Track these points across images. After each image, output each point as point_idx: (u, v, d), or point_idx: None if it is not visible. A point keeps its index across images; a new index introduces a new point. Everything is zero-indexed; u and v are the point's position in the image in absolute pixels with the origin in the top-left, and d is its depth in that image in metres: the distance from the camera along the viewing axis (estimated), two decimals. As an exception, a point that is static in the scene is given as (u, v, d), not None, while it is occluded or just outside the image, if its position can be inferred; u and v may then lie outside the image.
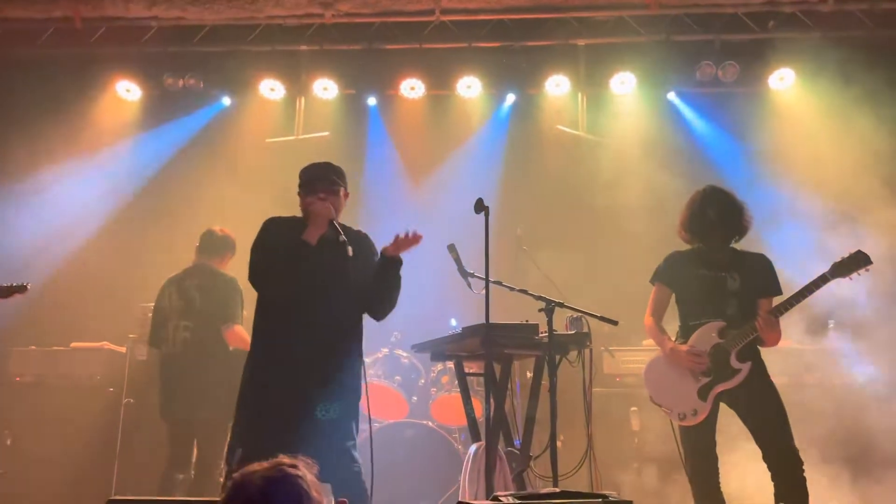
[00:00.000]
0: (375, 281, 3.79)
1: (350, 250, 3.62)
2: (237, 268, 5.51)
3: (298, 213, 3.89)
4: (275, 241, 3.74)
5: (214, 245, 5.52)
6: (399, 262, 3.79)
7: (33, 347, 6.26)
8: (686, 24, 7.00)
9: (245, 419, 3.61)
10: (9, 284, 4.52)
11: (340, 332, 3.72)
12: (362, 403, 3.76)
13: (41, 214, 6.92)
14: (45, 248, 6.78)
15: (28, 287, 4.55)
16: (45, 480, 5.57)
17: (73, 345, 6.26)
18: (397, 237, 3.76)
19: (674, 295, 4.34)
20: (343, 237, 3.65)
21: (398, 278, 3.82)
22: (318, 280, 3.68)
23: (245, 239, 5.71)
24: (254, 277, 3.75)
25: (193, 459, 5.31)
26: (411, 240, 3.78)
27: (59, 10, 6.99)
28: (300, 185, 3.86)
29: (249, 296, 5.34)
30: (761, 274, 4.22)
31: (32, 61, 7.33)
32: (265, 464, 1.91)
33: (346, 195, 3.91)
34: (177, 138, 7.55)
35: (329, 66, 7.35)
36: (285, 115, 7.62)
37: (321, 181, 3.80)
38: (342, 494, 3.46)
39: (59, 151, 7.17)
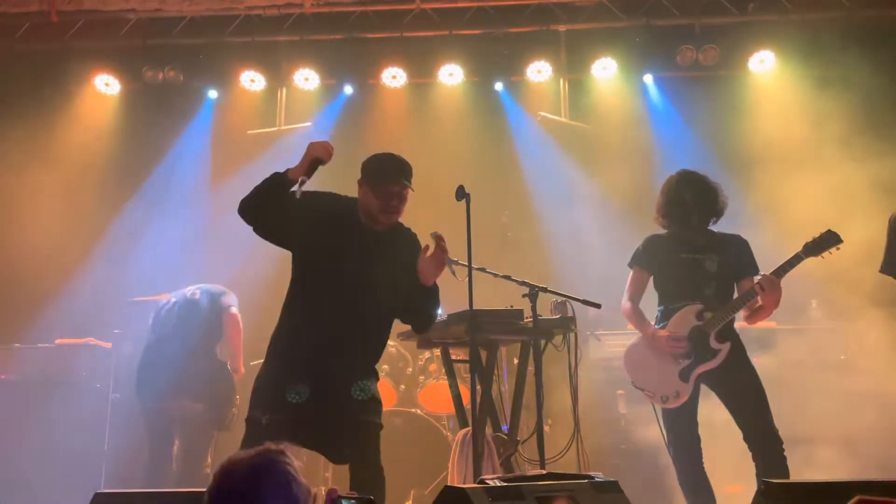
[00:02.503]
0: (413, 297, 3.50)
1: (298, 193, 3.26)
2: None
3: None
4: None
5: None
6: (434, 290, 3.50)
7: (17, 345, 6.21)
8: (665, 8, 7.02)
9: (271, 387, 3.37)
10: None
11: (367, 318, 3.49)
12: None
13: (21, 210, 6.86)
14: (26, 243, 6.71)
15: None
16: (33, 478, 5.54)
17: (58, 341, 6.21)
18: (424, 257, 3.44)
19: (651, 278, 4.36)
20: (304, 178, 3.32)
21: (434, 299, 3.53)
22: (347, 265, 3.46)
23: (227, 229, 5.76)
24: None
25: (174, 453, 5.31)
26: (437, 254, 3.43)
27: (35, 4, 6.93)
28: (364, 177, 3.67)
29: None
30: (738, 255, 4.23)
31: (8, 57, 7.24)
32: (251, 451, 1.90)
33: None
34: (158, 133, 7.48)
35: (309, 56, 7.31)
36: (267, 106, 7.57)
37: (394, 177, 3.60)
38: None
39: (38, 146, 7.09)
